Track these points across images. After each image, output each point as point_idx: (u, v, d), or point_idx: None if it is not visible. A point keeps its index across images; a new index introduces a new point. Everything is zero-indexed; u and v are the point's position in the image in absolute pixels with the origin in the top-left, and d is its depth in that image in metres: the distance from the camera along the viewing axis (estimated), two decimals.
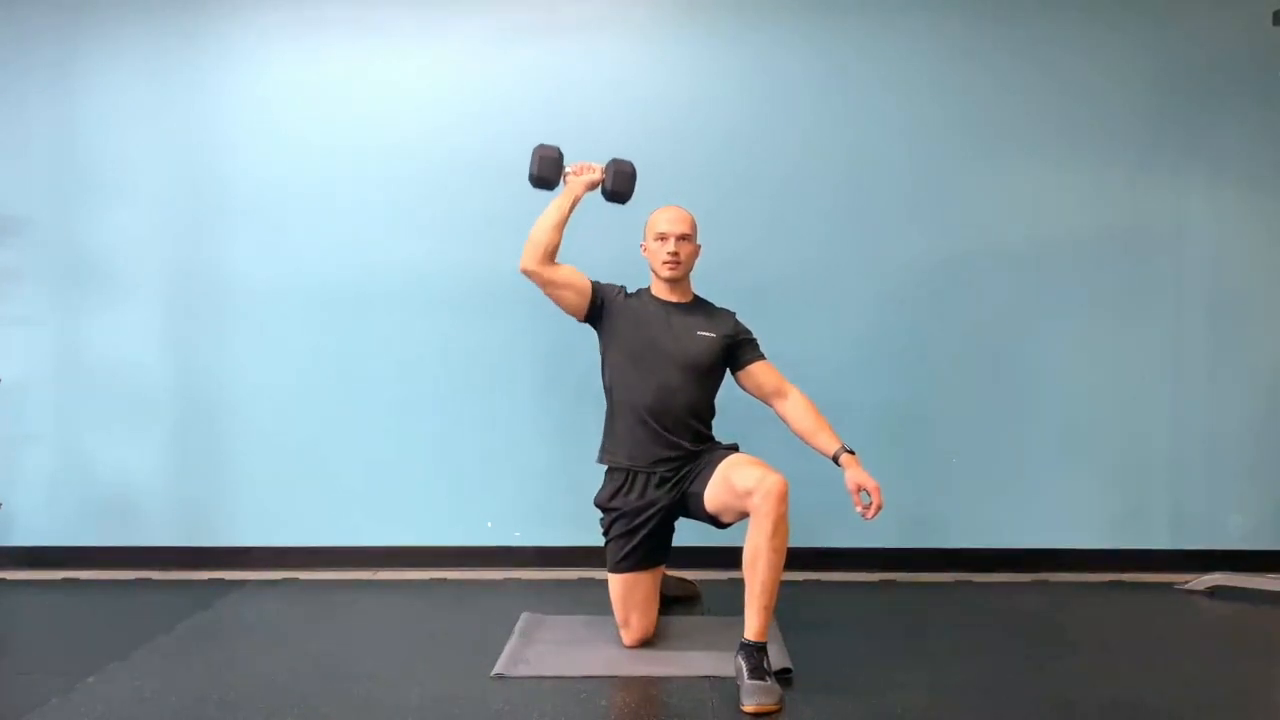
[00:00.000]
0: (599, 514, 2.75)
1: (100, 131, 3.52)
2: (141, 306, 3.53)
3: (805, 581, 3.34)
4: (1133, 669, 2.53)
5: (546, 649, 2.65)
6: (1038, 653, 2.66)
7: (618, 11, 3.50)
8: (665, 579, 2.98)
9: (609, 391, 2.76)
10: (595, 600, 2.98)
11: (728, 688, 2.34)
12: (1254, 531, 3.50)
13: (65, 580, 3.41)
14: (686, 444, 2.67)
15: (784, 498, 2.35)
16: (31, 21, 3.51)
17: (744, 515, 2.46)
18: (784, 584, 2.44)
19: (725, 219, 3.40)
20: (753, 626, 2.36)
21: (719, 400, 2.79)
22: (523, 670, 2.49)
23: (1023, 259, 3.49)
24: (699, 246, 2.78)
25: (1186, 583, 3.30)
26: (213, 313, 3.52)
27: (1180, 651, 2.70)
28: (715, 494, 2.54)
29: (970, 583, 3.38)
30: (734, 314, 2.81)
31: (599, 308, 2.72)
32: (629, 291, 2.79)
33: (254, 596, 3.22)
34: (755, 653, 2.34)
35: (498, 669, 2.49)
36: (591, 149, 3.48)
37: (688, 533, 2.81)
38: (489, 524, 3.53)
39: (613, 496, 2.70)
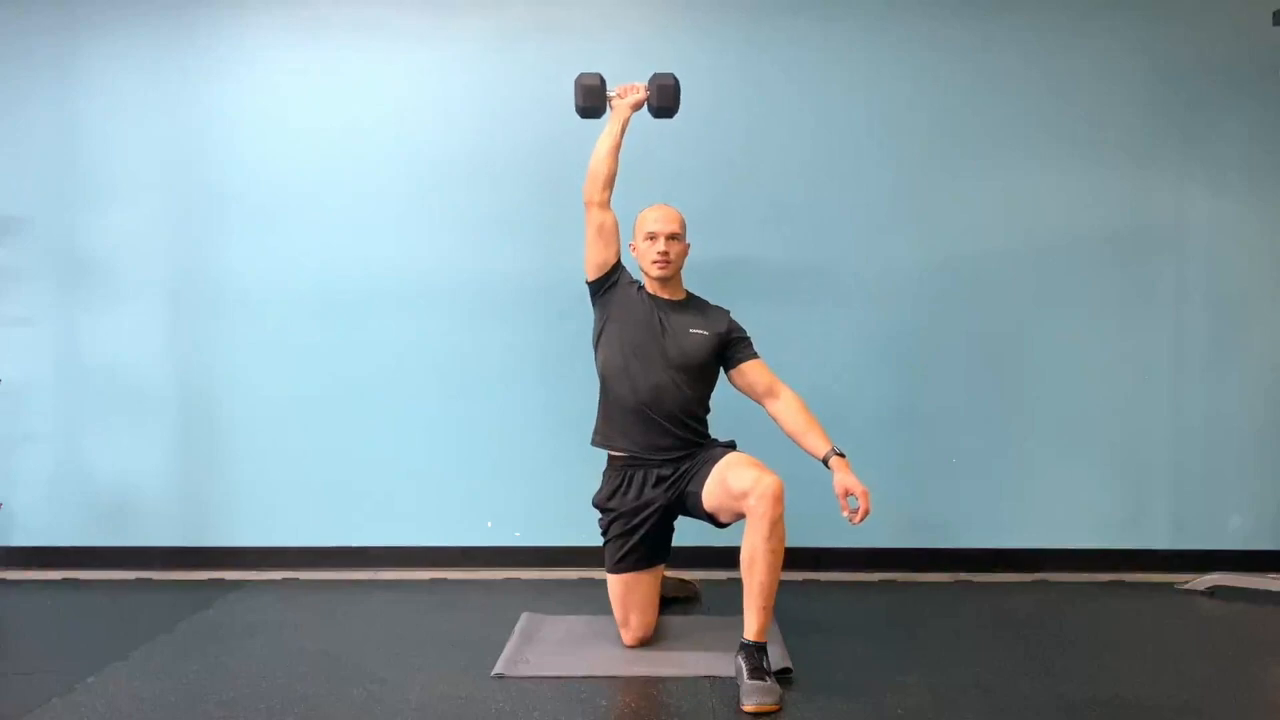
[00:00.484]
0: (598, 514, 2.75)
1: (100, 131, 3.52)
2: (141, 306, 3.53)
3: (805, 582, 3.34)
4: (1133, 669, 2.53)
5: (546, 649, 2.65)
6: (1038, 653, 2.66)
7: (615, 13, 3.50)
8: (665, 579, 2.98)
9: (603, 381, 2.76)
10: (595, 600, 2.98)
11: (728, 688, 2.35)
12: (1254, 531, 3.50)
13: (65, 580, 3.41)
14: (681, 439, 2.67)
15: (780, 499, 2.35)
16: (31, 21, 3.51)
17: (740, 516, 2.46)
18: (783, 584, 2.45)
19: (724, 219, 3.40)
20: (752, 627, 2.36)
21: (716, 400, 2.79)
22: (523, 670, 2.49)
23: (1022, 259, 3.49)
24: (689, 245, 2.78)
25: (1186, 583, 3.30)
26: (213, 313, 3.52)
27: (1180, 651, 2.70)
28: (712, 494, 2.54)
29: (970, 583, 3.38)
30: (728, 312, 2.81)
31: (610, 281, 2.74)
32: (638, 285, 2.79)
33: (254, 596, 3.22)
34: (755, 653, 2.34)
35: (498, 669, 2.49)
36: (592, 148, 3.49)
37: (687, 533, 2.81)
38: (489, 524, 3.53)
39: (610, 497, 2.70)
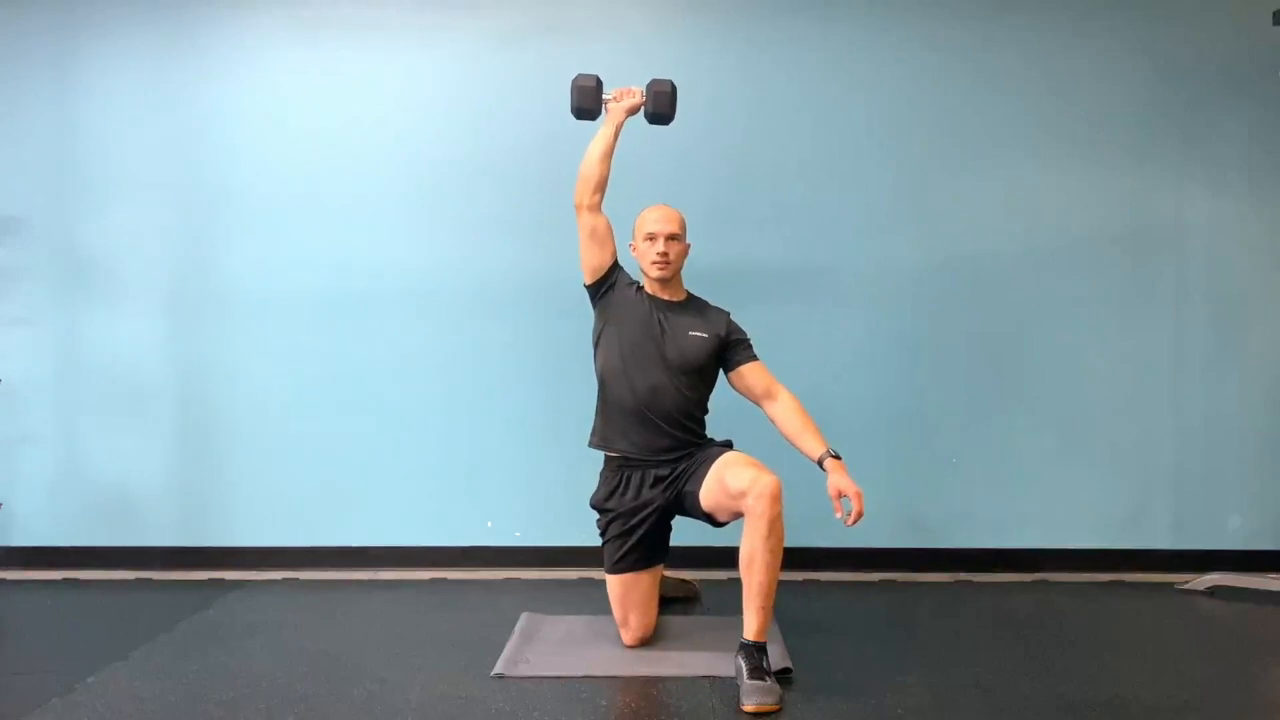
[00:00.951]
0: (596, 514, 2.75)
1: (100, 131, 3.52)
2: (141, 306, 3.53)
3: (805, 582, 3.34)
4: (1133, 669, 2.53)
5: (546, 649, 2.65)
6: (1038, 653, 2.66)
7: (614, 13, 3.50)
8: (664, 579, 2.98)
9: (601, 381, 2.75)
10: (595, 600, 2.98)
11: (728, 688, 2.35)
12: (1254, 531, 3.50)
13: (65, 580, 3.41)
14: (679, 440, 2.67)
15: (778, 498, 2.35)
16: (31, 21, 3.51)
17: (738, 515, 2.46)
18: (783, 584, 2.45)
19: (724, 220, 3.40)
20: (752, 626, 2.36)
21: (714, 400, 2.79)
22: (523, 670, 2.49)
23: (1022, 259, 3.49)
24: (689, 245, 2.78)
25: (1186, 583, 3.30)
26: (213, 312, 3.52)
27: (1180, 651, 2.70)
28: (709, 494, 2.54)
29: (970, 583, 3.38)
30: (728, 314, 2.80)
31: (607, 283, 2.73)
32: (637, 285, 2.79)
33: (254, 596, 3.22)
34: (755, 652, 2.34)
35: (498, 669, 2.49)
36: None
37: (686, 533, 2.81)
38: (489, 524, 3.53)
39: (608, 497, 2.70)
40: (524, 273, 3.47)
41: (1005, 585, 3.35)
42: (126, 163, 3.52)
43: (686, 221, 2.76)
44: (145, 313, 3.53)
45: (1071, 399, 3.50)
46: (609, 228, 2.74)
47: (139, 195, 3.52)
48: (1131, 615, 3.04)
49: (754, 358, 2.75)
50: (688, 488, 2.62)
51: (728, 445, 2.72)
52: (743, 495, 2.38)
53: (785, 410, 2.65)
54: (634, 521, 2.65)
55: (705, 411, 2.77)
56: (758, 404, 2.73)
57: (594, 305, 2.78)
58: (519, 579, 3.42)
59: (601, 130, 2.76)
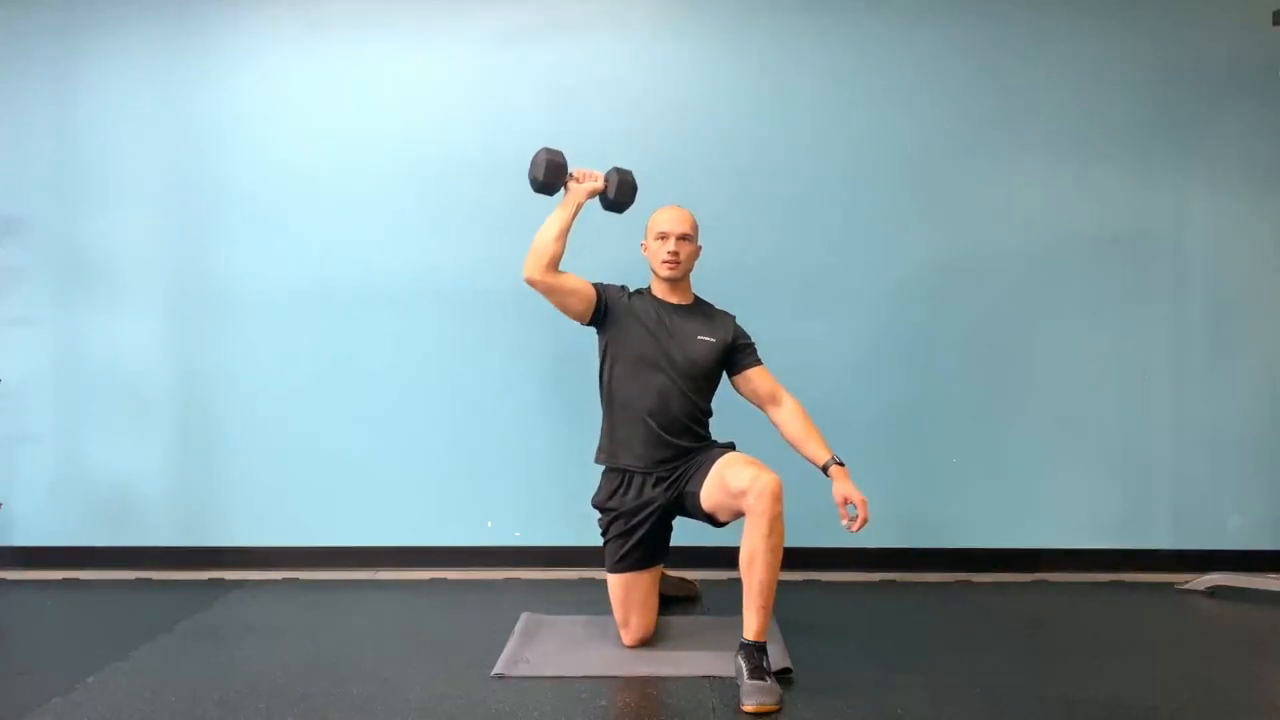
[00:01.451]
0: (597, 514, 2.75)
1: (100, 131, 3.52)
2: (141, 306, 3.53)
3: (805, 581, 3.34)
4: (1133, 669, 2.53)
5: (546, 649, 2.65)
6: (1038, 653, 2.66)
7: (618, 11, 3.50)
8: (665, 579, 2.99)
9: (608, 392, 2.75)
10: (595, 600, 2.98)
11: (728, 688, 2.35)
12: (1254, 531, 3.50)
13: (65, 580, 3.41)
14: (685, 445, 2.68)
15: (778, 497, 2.35)
16: (31, 21, 3.51)
17: (739, 514, 2.46)
18: (784, 584, 2.45)
19: (725, 220, 3.39)
20: (752, 626, 2.36)
21: (717, 401, 2.79)
22: (523, 670, 2.49)
23: (1023, 259, 3.49)
24: (699, 247, 2.78)
25: (1186, 583, 3.30)
26: (213, 313, 3.52)
27: (1180, 651, 2.70)
28: (710, 493, 2.55)
29: (970, 583, 3.38)
30: (734, 317, 2.81)
31: (603, 311, 2.71)
32: (631, 291, 2.78)
33: (254, 596, 3.22)
34: (755, 652, 2.34)
35: (498, 669, 2.49)
36: (593, 149, 3.48)
37: (687, 533, 2.81)
38: (489, 524, 3.53)
39: (610, 497, 2.71)
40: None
41: (1005, 585, 3.35)
42: (127, 163, 3.52)
43: (698, 223, 2.76)
44: (145, 313, 3.53)
45: (1072, 399, 3.50)
46: (573, 277, 2.68)
47: (139, 195, 3.52)
48: (1131, 615, 3.04)
49: (759, 362, 2.77)
50: (689, 488, 2.62)
51: (730, 447, 2.72)
52: (743, 494, 2.38)
53: (790, 416, 2.68)
54: (635, 521, 2.65)
55: (710, 414, 2.78)
56: (761, 408, 2.74)
57: (600, 331, 2.77)
58: (519, 579, 3.42)
59: (560, 210, 2.68)
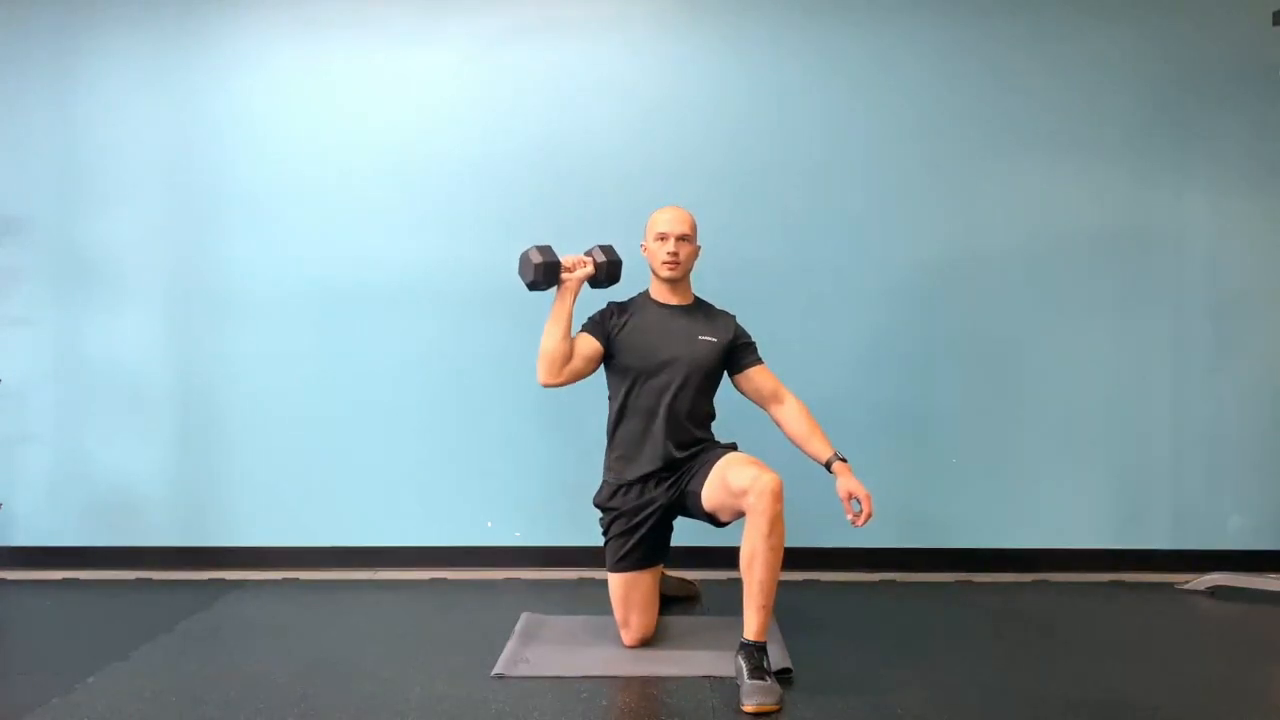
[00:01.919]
0: (598, 514, 2.75)
1: (100, 131, 3.52)
2: (141, 306, 3.53)
3: (805, 581, 3.34)
4: (1133, 669, 2.53)
5: (546, 649, 2.65)
6: (1038, 653, 2.66)
7: (619, 11, 3.50)
8: (665, 579, 2.99)
9: (612, 399, 2.76)
10: (595, 600, 2.98)
11: (728, 688, 2.34)
12: (1254, 531, 3.50)
13: (65, 580, 3.41)
14: (688, 445, 2.68)
15: (779, 496, 2.35)
16: (31, 21, 3.51)
17: (740, 514, 2.46)
18: (784, 584, 2.45)
19: (727, 220, 3.40)
20: (752, 626, 2.36)
21: (717, 401, 2.79)
22: (523, 670, 2.49)
23: (1023, 259, 3.49)
24: (699, 247, 2.78)
25: (1186, 583, 3.30)
26: (213, 313, 3.52)
27: (1180, 651, 2.70)
28: (712, 493, 2.55)
29: (970, 583, 3.38)
30: (734, 317, 2.81)
31: (608, 340, 2.71)
32: (619, 304, 2.78)
33: (254, 596, 3.22)
34: (755, 652, 2.34)
35: (498, 669, 2.49)
36: (595, 149, 3.51)
37: (687, 533, 2.81)
38: (489, 524, 3.53)
39: (611, 496, 2.71)
40: None
41: (1005, 585, 3.35)
42: (127, 163, 3.52)
43: (697, 224, 2.76)
44: (146, 313, 3.53)
45: (1072, 398, 3.50)
46: (576, 348, 2.66)
47: (140, 195, 3.52)
48: (1131, 615, 3.04)
49: (760, 361, 2.77)
50: (690, 487, 2.62)
51: (732, 447, 2.72)
52: (744, 493, 2.38)
53: (792, 414, 2.68)
54: (636, 520, 2.65)
55: (713, 415, 2.78)
56: (763, 407, 2.75)
57: (607, 365, 2.76)
58: (519, 579, 3.42)
59: (558, 308, 2.65)
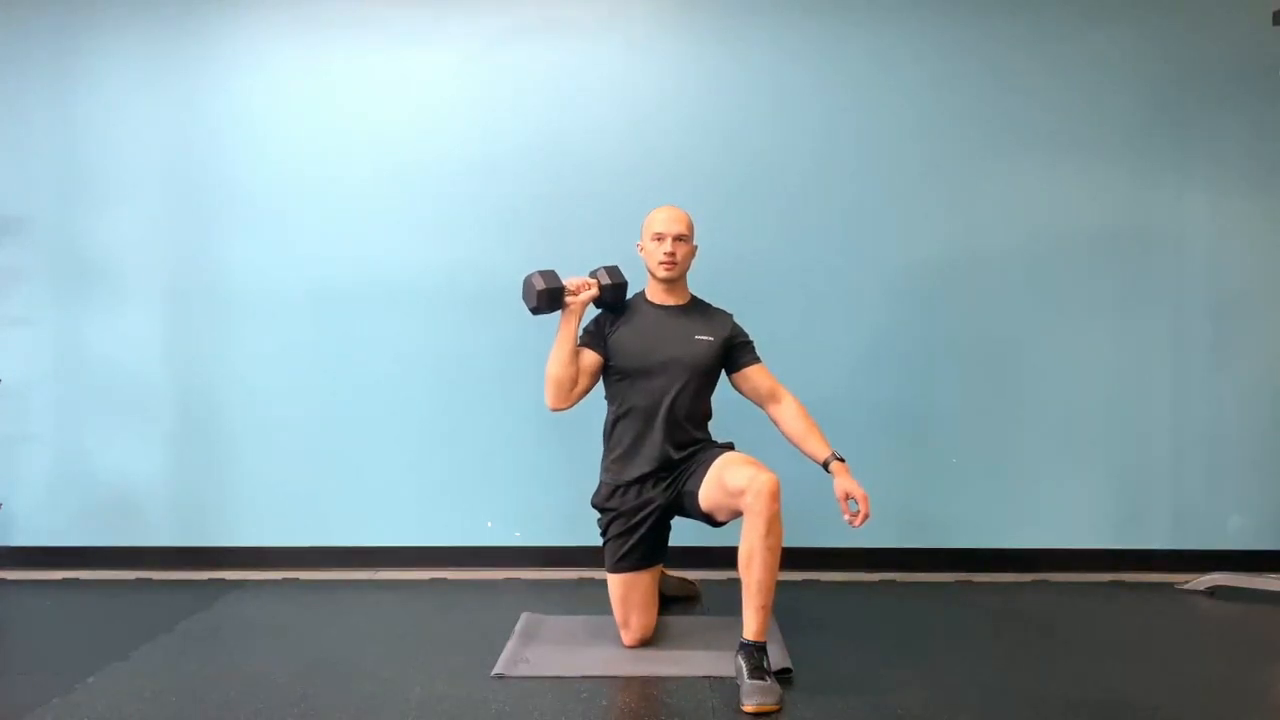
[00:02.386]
0: (597, 514, 2.75)
1: (100, 131, 3.52)
2: (141, 306, 3.53)
3: (805, 581, 3.34)
4: (1133, 669, 2.53)
5: (546, 649, 2.65)
6: (1038, 653, 2.66)
7: (620, 11, 3.50)
8: (665, 579, 2.99)
9: (609, 399, 2.76)
10: (595, 600, 2.98)
11: (728, 688, 2.34)
12: (1254, 531, 3.50)
13: (65, 580, 3.41)
14: (685, 446, 2.68)
15: (776, 495, 2.35)
16: (31, 21, 3.51)
17: (737, 514, 2.46)
18: (784, 584, 2.45)
19: (727, 220, 3.40)
20: (751, 626, 2.36)
21: (716, 401, 2.79)
22: (523, 670, 2.49)
23: (1023, 259, 3.49)
24: (695, 247, 2.78)
25: (1186, 583, 3.30)
26: (213, 313, 3.52)
27: (1180, 651, 2.70)
28: (709, 493, 2.55)
29: (970, 583, 3.38)
30: (731, 316, 2.81)
31: (606, 356, 2.71)
32: (626, 305, 2.79)
33: (254, 596, 3.22)
34: (755, 652, 2.34)
35: (498, 669, 2.49)
36: (595, 149, 3.50)
37: (686, 533, 2.81)
38: (489, 524, 3.53)
39: (610, 497, 2.71)
40: (524, 272, 3.44)
41: (1005, 585, 3.35)
42: (127, 163, 3.52)
43: (694, 223, 2.76)
44: (145, 313, 3.53)
45: (1072, 398, 3.50)
46: (581, 367, 2.67)
47: (139, 195, 3.52)
48: (1131, 615, 3.04)
49: (758, 360, 2.77)
50: (687, 487, 2.62)
51: (729, 447, 2.72)
52: (741, 493, 2.38)
53: (789, 413, 2.68)
54: (635, 521, 2.65)
55: (709, 414, 2.78)
56: (761, 406, 2.75)
57: (606, 376, 2.77)
58: (519, 579, 3.42)
59: (563, 333, 2.66)
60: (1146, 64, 3.48)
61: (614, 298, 2.78)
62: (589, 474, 2.80)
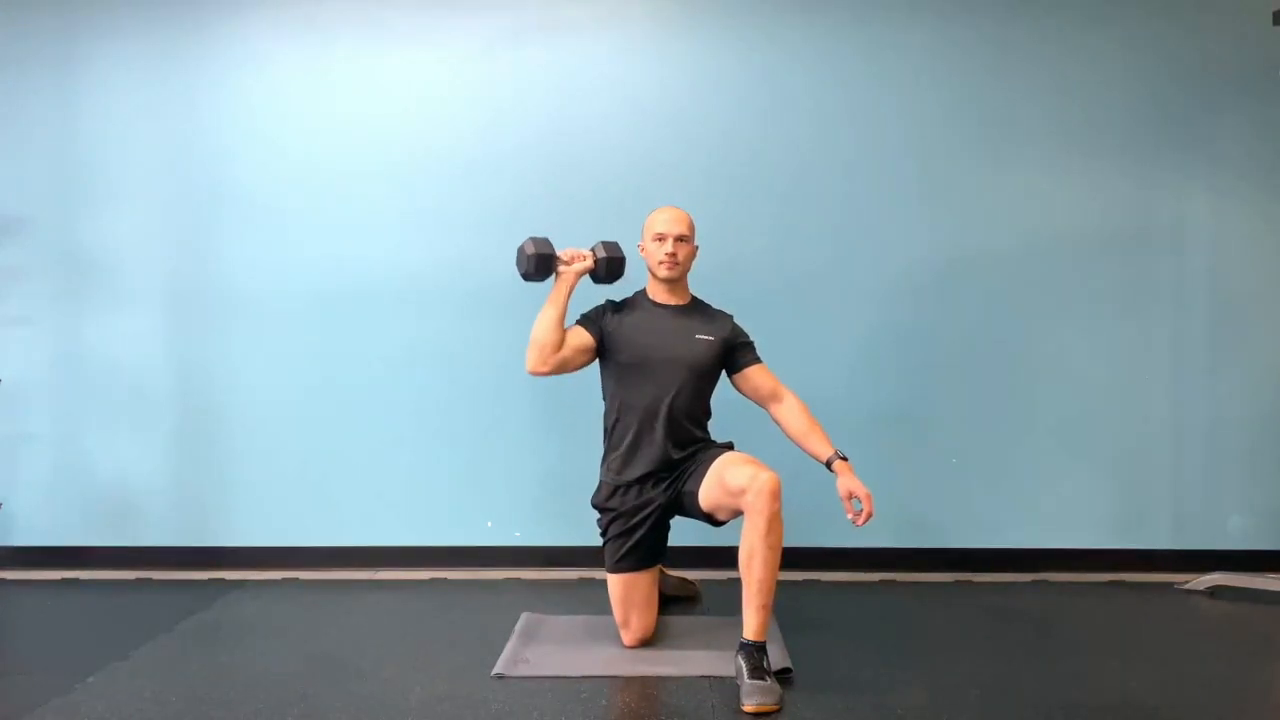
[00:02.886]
0: (597, 514, 2.75)
1: (100, 131, 3.53)
2: (141, 306, 3.53)
3: (805, 581, 3.34)
4: (1133, 669, 2.53)
5: (546, 649, 2.65)
6: (1038, 653, 2.66)
7: (619, 11, 3.50)
8: (665, 579, 2.99)
9: (609, 399, 2.76)
10: (595, 600, 2.98)
11: (728, 688, 2.35)
12: (1254, 531, 3.50)
13: (65, 580, 3.41)
14: (686, 445, 2.68)
15: (777, 495, 2.35)
16: (31, 21, 3.52)
17: (738, 513, 2.46)
18: (784, 584, 2.45)
19: (726, 220, 3.40)
20: (751, 626, 2.36)
21: (716, 401, 2.79)
22: (523, 670, 2.49)
23: (1023, 259, 3.49)
24: (696, 247, 2.78)
25: (1186, 583, 3.30)
26: (213, 313, 3.52)
27: (1180, 651, 2.70)
28: (709, 492, 2.55)
29: (970, 583, 3.38)
30: (731, 316, 2.81)
31: (601, 337, 2.71)
32: (616, 303, 2.78)
33: (254, 596, 3.22)
34: (755, 652, 2.34)
35: (498, 669, 2.49)
36: (594, 148, 3.50)
37: (687, 533, 2.81)
38: (489, 524, 3.53)
39: (610, 497, 2.71)
40: None
41: (1005, 585, 3.35)
42: (127, 163, 3.52)
43: (695, 224, 2.76)
44: (146, 313, 3.53)
45: (1072, 398, 3.50)
46: (566, 345, 2.64)
47: (140, 195, 3.52)
48: (1131, 615, 3.04)
49: (758, 360, 2.77)
50: (687, 487, 2.62)
51: (729, 446, 2.72)
52: (742, 492, 2.38)
53: (791, 412, 2.68)
54: (635, 521, 2.65)
55: (709, 414, 2.78)
56: (763, 406, 2.75)
57: (600, 358, 2.75)
58: (519, 579, 3.42)
59: (552, 298, 2.65)
60: (1146, 64, 3.48)
61: (609, 271, 2.76)
62: (589, 474, 2.80)
